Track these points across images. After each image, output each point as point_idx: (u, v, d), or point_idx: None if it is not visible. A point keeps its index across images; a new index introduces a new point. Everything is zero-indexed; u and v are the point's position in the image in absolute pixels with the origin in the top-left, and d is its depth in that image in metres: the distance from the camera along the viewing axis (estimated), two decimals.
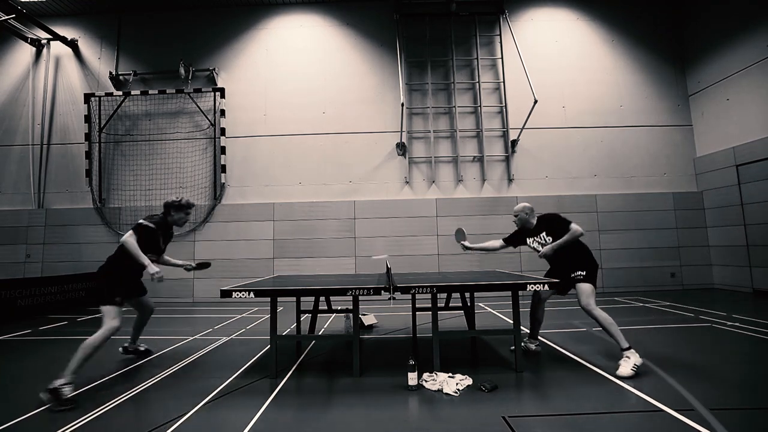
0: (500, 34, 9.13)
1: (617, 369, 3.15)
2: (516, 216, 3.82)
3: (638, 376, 3.09)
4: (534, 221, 3.77)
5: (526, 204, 3.83)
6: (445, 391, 2.89)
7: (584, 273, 3.43)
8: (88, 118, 8.93)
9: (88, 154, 8.85)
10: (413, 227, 8.52)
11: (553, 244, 3.51)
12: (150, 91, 8.97)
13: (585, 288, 3.39)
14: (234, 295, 3.12)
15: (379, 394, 2.91)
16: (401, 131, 8.66)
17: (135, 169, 8.92)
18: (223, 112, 8.89)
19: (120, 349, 4.06)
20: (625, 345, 3.19)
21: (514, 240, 3.97)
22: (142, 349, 4.19)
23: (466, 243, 4.10)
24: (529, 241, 3.82)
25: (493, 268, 7.98)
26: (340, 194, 8.74)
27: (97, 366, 3.74)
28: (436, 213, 8.56)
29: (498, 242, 4.05)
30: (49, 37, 9.25)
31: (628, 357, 3.14)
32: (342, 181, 8.79)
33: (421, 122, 8.98)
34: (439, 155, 8.82)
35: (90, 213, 8.78)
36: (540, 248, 3.67)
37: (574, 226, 3.50)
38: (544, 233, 3.67)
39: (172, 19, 9.38)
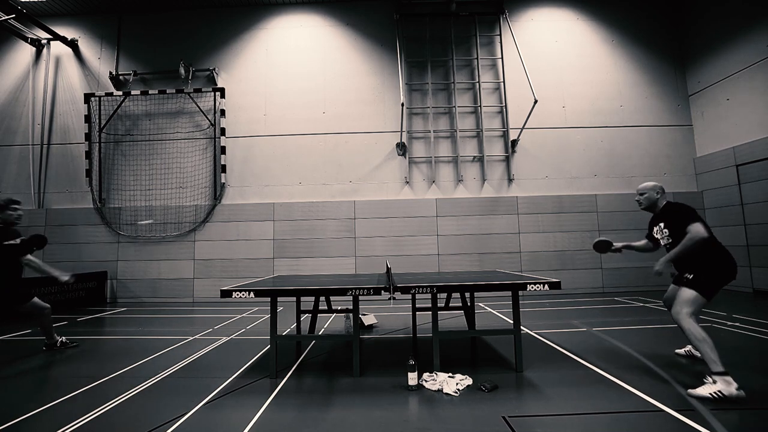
0: (500, 34, 9.13)
1: (695, 388, 2.73)
2: (642, 194, 3.29)
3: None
4: (662, 204, 3.26)
5: (657, 183, 3.29)
6: (445, 391, 2.90)
7: (692, 276, 2.93)
8: (88, 118, 8.93)
9: (88, 154, 8.85)
10: (413, 227, 8.52)
11: (667, 255, 3.02)
12: (150, 91, 8.96)
13: (684, 293, 2.93)
14: (234, 295, 3.14)
15: (379, 394, 2.91)
16: (401, 131, 8.66)
17: (135, 169, 8.91)
18: (223, 112, 8.89)
19: (43, 347, 4.36)
20: (718, 369, 2.65)
21: (650, 232, 3.41)
22: (64, 340, 4.48)
23: (616, 245, 3.54)
24: (654, 230, 3.32)
25: (493, 268, 8.00)
26: (340, 194, 8.74)
27: (97, 366, 3.74)
28: (436, 213, 8.56)
29: (644, 241, 3.53)
30: (49, 37, 9.24)
31: (715, 383, 2.64)
32: (342, 181, 8.79)
33: (421, 122, 8.98)
34: (439, 155, 8.82)
35: (90, 213, 8.77)
36: (662, 240, 3.25)
37: (693, 228, 2.87)
38: (662, 224, 3.20)
39: (172, 19, 9.38)
